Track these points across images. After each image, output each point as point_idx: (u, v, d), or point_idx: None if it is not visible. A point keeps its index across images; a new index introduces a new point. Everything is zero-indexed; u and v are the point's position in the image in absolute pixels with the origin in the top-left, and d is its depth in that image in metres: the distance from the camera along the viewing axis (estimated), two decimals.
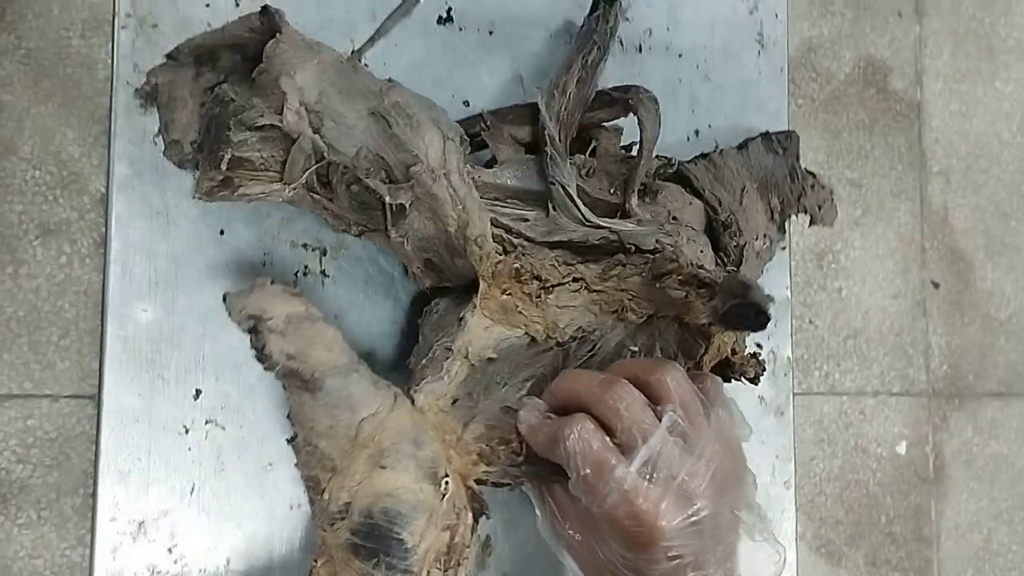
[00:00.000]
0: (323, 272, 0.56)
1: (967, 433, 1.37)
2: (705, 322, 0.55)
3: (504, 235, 0.55)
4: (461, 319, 0.56)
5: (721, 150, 0.64)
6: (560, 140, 0.54)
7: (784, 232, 0.64)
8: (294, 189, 0.51)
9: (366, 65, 0.60)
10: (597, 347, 0.59)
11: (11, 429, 1.02)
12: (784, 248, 0.64)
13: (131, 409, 0.55)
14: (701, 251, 0.58)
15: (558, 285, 0.57)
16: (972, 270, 1.34)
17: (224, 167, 0.53)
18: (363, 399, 0.51)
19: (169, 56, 0.57)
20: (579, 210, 0.55)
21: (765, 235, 0.62)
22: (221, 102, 0.55)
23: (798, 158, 0.65)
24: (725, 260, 0.60)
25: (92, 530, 0.52)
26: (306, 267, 0.56)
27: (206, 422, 0.56)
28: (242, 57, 0.56)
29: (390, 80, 0.54)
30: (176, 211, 0.56)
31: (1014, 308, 1.36)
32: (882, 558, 1.33)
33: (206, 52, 0.56)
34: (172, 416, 0.56)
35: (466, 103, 0.62)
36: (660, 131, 0.57)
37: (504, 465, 0.56)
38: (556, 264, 0.57)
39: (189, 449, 0.56)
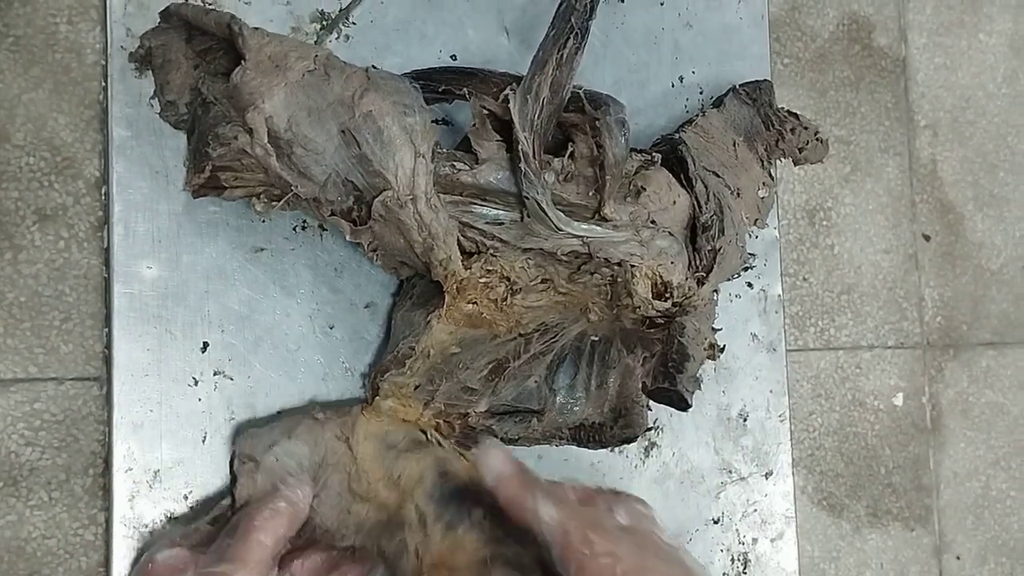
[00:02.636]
0: (321, 227, 0.57)
1: (962, 383, 1.39)
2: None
3: (477, 237, 0.56)
4: (428, 322, 0.57)
5: (703, 112, 0.65)
6: (534, 153, 0.55)
7: (775, 178, 0.65)
8: (270, 212, 0.53)
9: (347, 35, 0.61)
10: (558, 336, 0.60)
11: (18, 413, 1.03)
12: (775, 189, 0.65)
13: (141, 363, 0.57)
14: (672, 263, 0.58)
15: (526, 287, 0.59)
16: (962, 222, 1.35)
17: (206, 175, 0.54)
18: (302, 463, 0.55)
19: (162, 17, 0.57)
20: (552, 221, 0.55)
21: (764, 184, 0.63)
22: (203, 103, 0.56)
23: (771, 105, 0.65)
24: (698, 263, 0.61)
25: (109, 479, 0.54)
26: (304, 222, 0.57)
27: (214, 373, 0.57)
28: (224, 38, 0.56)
29: (367, 72, 0.54)
30: (175, 171, 0.57)
31: (1005, 258, 1.37)
32: (883, 508, 1.35)
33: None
34: (181, 368, 0.57)
35: (453, 57, 0.63)
36: (627, 150, 0.57)
37: (458, 436, 0.59)
38: (527, 266, 0.58)
39: (199, 400, 0.57)
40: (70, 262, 1.06)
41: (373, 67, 0.54)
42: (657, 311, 0.57)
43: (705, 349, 0.58)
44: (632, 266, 0.56)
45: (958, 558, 1.38)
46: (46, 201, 1.05)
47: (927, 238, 1.33)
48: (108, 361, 0.57)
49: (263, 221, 0.57)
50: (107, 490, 0.54)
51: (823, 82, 1.30)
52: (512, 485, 0.52)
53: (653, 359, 0.57)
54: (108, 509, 0.56)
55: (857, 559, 1.35)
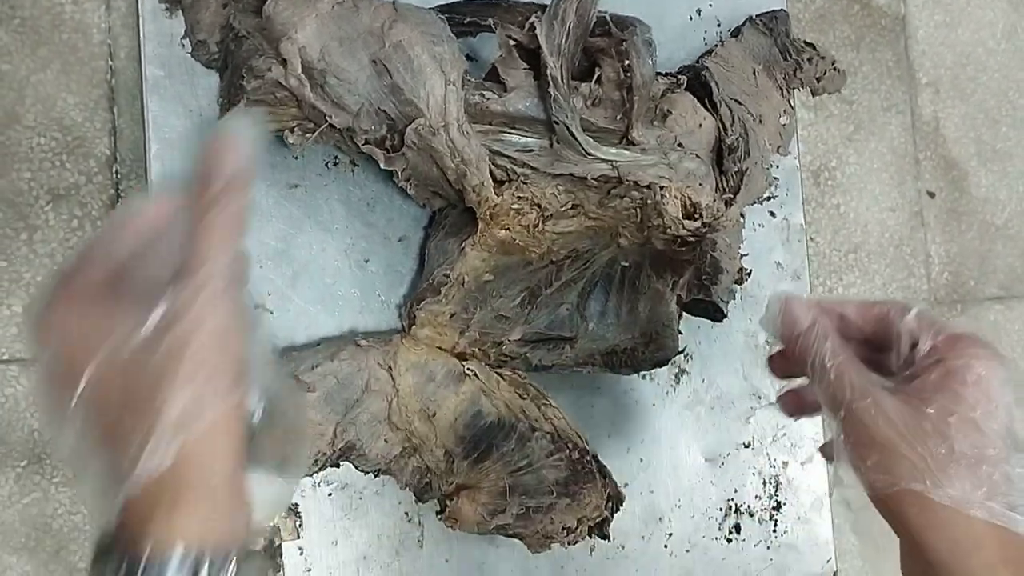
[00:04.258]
0: (352, 162, 0.58)
1: None
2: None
3: (508, 165, 0.57)
4: (462, 249, 0.58)
5: (722, 41, 0.66)
6: (562, 77, 0.55)
7: (793, 107, 0.66)
8: (303, 145, 0.54)
9: None
10: (589, 262, 0.61)
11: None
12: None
13: None
14: (700, 184, 0.59)
15: (556, 213, 0.59)
16: (966, 178, 1.36)
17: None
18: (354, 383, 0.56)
19: None
20: (581, 146, 0.56)
21: (784, 111, 0.64)
22: (236, 37, 0.57)
23: (788, 34, 0.66)
24: (725, 185, 0.61)
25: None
26: (335, 158, 0.58)
27: (255, 307, 0.58)
28: None
29: (394, 4, 0.55)
30: (208, 109, 0.58)
31: (1009, 213, 1.38)
32: None
33: None
34: None
35: None
36: (654, 71, 0.58)
37: (492, 364, 0.60)
38: (557, 192, 0.59)
39: None
40: (84, 241, 1.07)
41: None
42: (687, 231, 0.58)
43: (736, 263, 0.59)
44: (661, 188, 0.57)
45: None
46: (58, 181, 1.06)
47: (932, 195, 1.34)
48: None
49: (296, 158, 0.58)
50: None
51: (824, 42, 1.30)
52: (804, 343, 0.46)
53: (685, 276, 0.58)
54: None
55: None
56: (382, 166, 0.54)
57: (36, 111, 1.05)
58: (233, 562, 0.38)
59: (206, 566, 0.37)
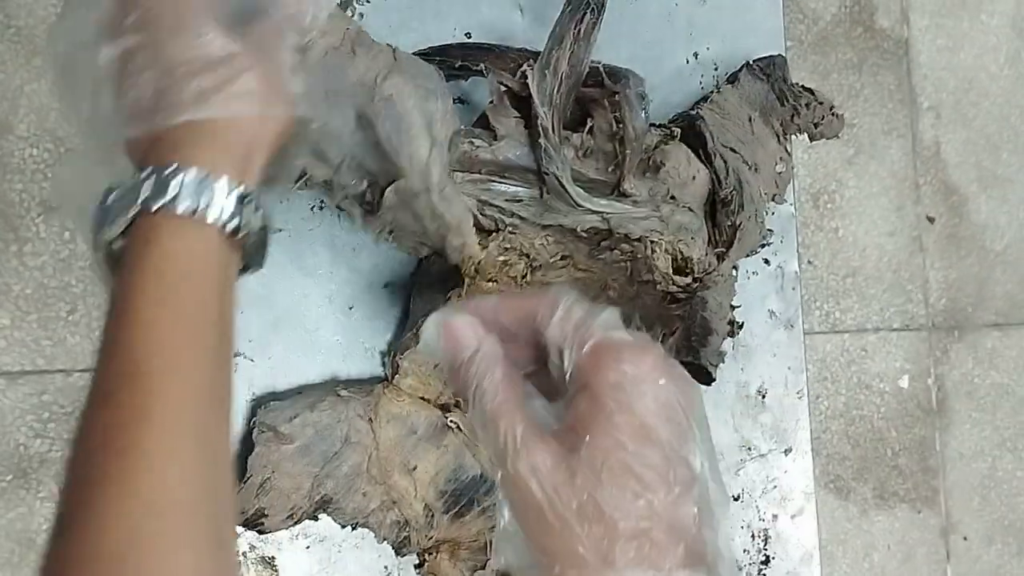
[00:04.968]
0: (339, 207, 0.57)
1: (967, 364, 1.39)
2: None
3: (496, 214, 0.56)
4: (448, 299, 0.57)
5: (718, 88, 0.65)
6: (553, 128, 0.54)
7: (790, 153, 0.65)
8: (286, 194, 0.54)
9: (361, 13, 0.61)
10: None
11: (26, 405, 1.03)
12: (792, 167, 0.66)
13: None
14: (692, 238, 0.58)
15: (546, 264, 0.59)
16: (966, 203, 1.35)
17: None
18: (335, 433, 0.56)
19: None
20: (571, 197, 0.55)
21: (780, 158, 0.63)
22: None
23: (785, 80, 0.65)
24: (718, 239, 0.61)
25: None
26: (322, 202, 0.57)
27: (235, 355, 0.57)
28: None
29: (393, 51, 0.53)
30: None
31: (1009, 239, 1.37)
32: (890, 490, 1.36)
33: None
34: None
35: (468, 35, 0.63)
36: (647, 124, 0.57)
37: None
38: (546, 243, 0.58)
39: None
40: (75, 253, 1.06)
41: (390, 46, 0.54)
42: (678, 287, 0.57)
43: (726, 325, 0.58)
44: (652, 242, 0.56)
45: (965, 539, 1.39)
46: (50, 193, 1.05)
47: (931, 220, 1.33)
48: None
49: (280, 202, 0.57)
50: None
51: (826, 64, 1.30)
52: (464, 377, 0.38)
53: (674, 336, 0.57)
54: None
55: (864, 541, 1.36)
56: (359, 225, 0.53)
57: (29, 121, 1.04)
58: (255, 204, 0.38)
59: (235, 190, 0.37)
